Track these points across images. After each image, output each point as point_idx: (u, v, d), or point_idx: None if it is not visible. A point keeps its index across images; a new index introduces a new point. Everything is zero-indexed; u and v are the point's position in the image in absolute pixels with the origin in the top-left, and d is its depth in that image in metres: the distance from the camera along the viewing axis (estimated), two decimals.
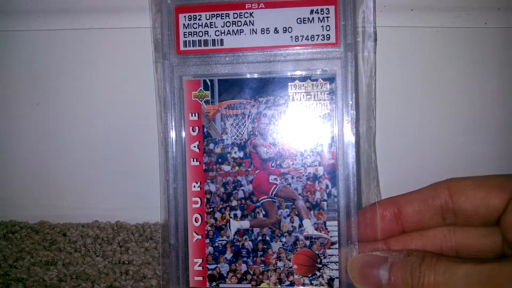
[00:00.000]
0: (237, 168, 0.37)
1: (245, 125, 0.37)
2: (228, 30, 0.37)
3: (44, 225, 0.46)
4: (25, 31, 0.45)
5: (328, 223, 0.37)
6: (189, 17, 0.37)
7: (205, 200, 0.37)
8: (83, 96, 0.46)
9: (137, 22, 0.42)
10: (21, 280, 0.39)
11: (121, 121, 0.46)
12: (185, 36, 0.37)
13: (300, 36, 0.36)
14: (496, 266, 0.26)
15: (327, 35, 0.36)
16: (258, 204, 0.37)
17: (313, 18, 0.36)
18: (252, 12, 0.37)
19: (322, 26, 0.36)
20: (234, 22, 0.37)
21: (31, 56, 0.45)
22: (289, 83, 0.37)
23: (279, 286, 0.37)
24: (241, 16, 0.37)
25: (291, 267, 0.37)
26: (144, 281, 0.39)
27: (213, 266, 0.37)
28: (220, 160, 0.37)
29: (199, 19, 0.37)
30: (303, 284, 0.37)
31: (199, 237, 0.37)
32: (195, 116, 0.37)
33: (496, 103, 0.44)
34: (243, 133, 0.37)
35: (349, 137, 0.36)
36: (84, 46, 0.45)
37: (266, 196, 0.37)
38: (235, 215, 0.37)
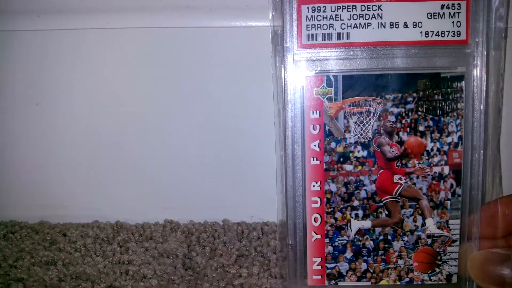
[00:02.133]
0: (360, 167, 0.37)
1: (370, 123, 0.36)
2: (355, 23, 0.35)
3: (44, 225, 0.46)
4: (25, 31, 0.45)
5: (450, 221, 0.36)
6: (313, 8, 0.35)
7: (325, 199, 0.37)
8: (83, 96, 0.46)
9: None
10: (21, 280, 0.39)
11: (121, 121, 0.46)
12: (308, 29, 0.35)
13: (430, 31, 0.35)
14: None
15: (457, 31, 0.35)
16: (381, 204, 0.37)
17: (443, 13, 0.35)
18: (381, 5, 0.35)
19: (453, 22, 0.35)
20: (361, 15, 0.35)
21: (31, 56, 0.45)
22: (418, 81, 0.36)
23: (398, 283, 0.37)
24: (369, 9, 0.35)
25: (411, 265, 0.37)
26: (144, 281, 0.39)
27: (332, 265, 0.37)
28: (342, 159, 0.37)
29: (324, 11, 0.35)
30: (422, 280, 0.37)
31: (318, 236, 0.37)
32: (316, 114, 0.36)
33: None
34: (368, 132, 0.36)
35: (477, 137, 0.35)
36: (84, 46, 0.45)
37: (389, 196, 0.37)
38: (357, 215, 0.37)
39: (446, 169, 0.36)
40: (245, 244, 0.44)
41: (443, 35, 0.35)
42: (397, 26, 0.35)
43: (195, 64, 0.45)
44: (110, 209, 0.47)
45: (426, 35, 0.35)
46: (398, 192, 0.37)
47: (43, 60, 0.45)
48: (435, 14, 0.35)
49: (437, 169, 0.36)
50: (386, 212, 0.37)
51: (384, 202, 0.37)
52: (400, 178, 0.37)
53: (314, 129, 0.36)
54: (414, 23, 0.35)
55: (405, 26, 0.35)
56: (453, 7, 0.35)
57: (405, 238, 0.37)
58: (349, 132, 0.36)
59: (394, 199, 0.37)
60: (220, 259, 0.41)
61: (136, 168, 0.47)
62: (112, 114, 0.46)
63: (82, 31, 0.44)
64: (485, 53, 0.35)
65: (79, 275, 0.40)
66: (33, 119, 0.47)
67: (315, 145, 0.36)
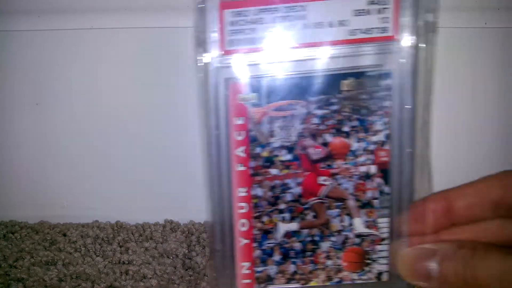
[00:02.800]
0: (285, 171, 0.37)
1: (294, 126, 0.36)
2: (278, 26, 0.34)
3: (44, 225, 0.46)
4: (25, 31, 0.45)
5: (379, 220, 0.37)
6: (235, 13, 0.35)
7: (252, 204, 0.37)
8: (83, 96, 0.46)
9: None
10: (21, 280, 0.39)
11: (121, 121, 0.46)
12: (232, 34, 0.35)
13: (357, 29, 0.34)
14: None
15: (385, 27, 0.34)
16: (307, 206, 0.37)
17: (370, 9, 0.34)
18: (305, 5, 0.34)
19: (380, 18, 0.34)
20: (285, 17, 0.34)
21: (31, 56, 0.45)
22: (343, 81, 0.36)
23: (328, 283, 0.37)
24: (292, 10, 0.34)
25: (340, 265, 0.37)
26: (144, 281, 0.39)
27: (261, 269, 0.37)
28: (267, 163, 0.37)
29: (246, 15, 0.35)
30: (352, 280, 0.37)
31: (246, 241, 0.37)
32: (240, 120, 0.36)
33: (495, 103, 0.44)
34: (292, 135, 0.37)
35: (405, 135, 0.35)
36: (84, 46, 0.45)
37: (315, 198, 0.37)
38: (284, 218, 0.37)
39: (373, 168, 0.36)
40: None
41: (369, 32, 0.34)
42: (321, 26, 0.34)
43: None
44: (110, 209, 0.47)
45: (353, 34, 0.34)
46: (324, 193, 0.37)
47: (43, 60, 0.45)
48: (361, 11, 0.34)
49: (363, 169, 0.36)
50: (313, 214, 0.37)
51: (310, 204, 0.37)
52: (325, 180, 0.37)
53: (239, 135, 0.37)
54: (340, 22, 0.34)
55: (330, 26, 0.34)
56: (380, 3, 0.34)
57: (333, 239, 0.37)
58: (274, 136, 0.36)
59: (320, 201, 0.37)
60: None
61: (136, 168, 0.47)
62: (112, 114, 0.46)
63: (82, 31, 0.44)
64: (413, 49, 0.34)
65: (79, 275, 0.40)
66: (33, 119, 0.47)
67: (240, 151, 0.37)
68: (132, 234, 0.45)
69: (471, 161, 0.45)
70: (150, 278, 0.39)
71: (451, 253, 0.30)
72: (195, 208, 0.47)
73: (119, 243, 0.44)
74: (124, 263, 0.42)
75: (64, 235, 0.45)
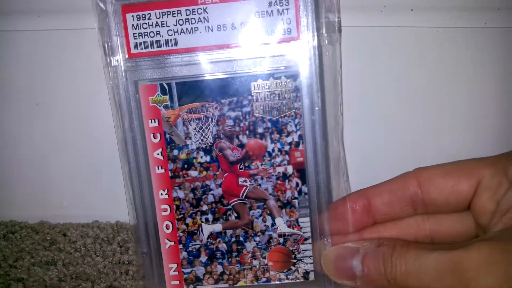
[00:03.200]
0: (204, 172, 0.37)
1: (209, 128, 0.36)
2: (182, 29, 0.34)
3: (44, 225, 0.46)
4: (25, 31, 0.45)
5: (300, 219, 0.37)
6: (138, 16, 0.35)
7: (174, 207, 0.37)
8: (83, 96, 0.46)
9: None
10: (21, 280, 0.39)
11: None
12: (135, 37, 0.35)
13: (260, 31, 0.34)
14: (462, 253, 0.26)
15: (288, 28, 0.34)
16: (229, 207, 0.37)
17: (272, 11, 0.34)
18: (206, 8, 0.34)
19: (282, 19, 0.34)
20: (187, 20, 0.34)
21: (31, 56, 0.45)
22: (252, 83, 0.35)
23: (256, 283, 0.37)
24: (194, 13, 0.34)
25: (266, 265, 0.37)
26: (144, 281, 0.39)
27: (188, 270, 0.37)
28: (186, 166, 0.37)
29: (149, 18, 0.35)
30: (280, 280, 0.37)
31: (172, 243, 0.37)
32: (155, 122, 0.36)
33: (495, 103, 0.44)
34: (208, 137, 0.36)
35: (318, 135, 0.35)
36: (84, 46, 0.45)
37: (236, 199, 0.37)
38: (207, 219, 0.37)
39: (290, 169, 0.36)
40: None
41: (273, 33, 0.34)
42: (224, 28, 0.34)
43: None
44: (110, 209, 0.47)
45: (256, 35, 0.34)
46: (245, 194, 0.37)
47: (43, 60, 0.45)
48: (263, 13, 0.34)
49: (280, 169, 0.36)
50: (235, 215, 0.37)
51: (232, 204, 0.37)
52: (245, 180, 0.37)
53: (154, 137, 0.36)
54: (242, 24, 0.34)
55: (233, 28, 0.34)
56: (281, 4, 0.34)
57: (257, 239, 0.37)
58: (190, 138, 0.36)
59: (241, 201, 0.37)
60: None
61: None
62: (112, 114, 0.46)
63: (82, 31, 0.44)
64: (317, 49, 0.34)
65: (79, 275, 0.40)
66: (33, 119, 0.47)
67: (157, 154, 0.36)
68: (132, 234, 0.45)
69: None
70: None
71: (372, 251, 0.30)
72: None
73: (119, 243, 0.44)
74: (124, 263, 0.42)
75: (64, 235, 0.45)
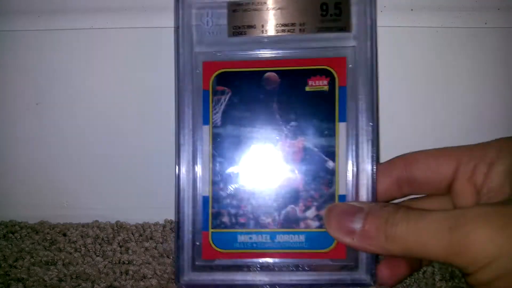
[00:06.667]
0: None
1: None
2: None
3: (44, 225, 0.46)
4: (25, 31, 0.45)
5: None
6: None
7: None
8: (83, 96, 0.46)
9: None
10: (21, 280, 0.39)
11: (121, 121, 0.46)
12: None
13: None
14: (461, 211, 0.29)
15: None
16: None
17: None
18: None
19: None
20: None
21: (31, 56, 0.45)
22: None
23: None
24: None
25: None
26: (144, 281, 0.39)
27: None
28: None
29: None
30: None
31: None
32: None
33: (495, 103, 0.44)
34: None
35: None
36: (84, 46, 0.45)
37: None
38: None
39: None
40: None
41: None
42: None
43: None
44: (110, 209, 0.47)
45: None
46: None
47: (43, 60, 0.45)
48: None
49: None
50: None
51: None
52: None
53: None
54: None
55: None
56: None
57: None
58: None
59: None
60: None
61: (137, 168, 0.47)
62: (112, 114, 0.46)
63: (82, 31, 0.44)
64: None
65: (79, 275, 0.40)
66: (33, 119, 0.47)
67: None
68: (132, 234, 0.45)
69: None
70: (150, 278, 0.39)
71: (376, 210, 0.31)
72: None
73: (119, 243, 0.44)
74: (124, 263, 0.42)
75: (64, 235, 0.45)
